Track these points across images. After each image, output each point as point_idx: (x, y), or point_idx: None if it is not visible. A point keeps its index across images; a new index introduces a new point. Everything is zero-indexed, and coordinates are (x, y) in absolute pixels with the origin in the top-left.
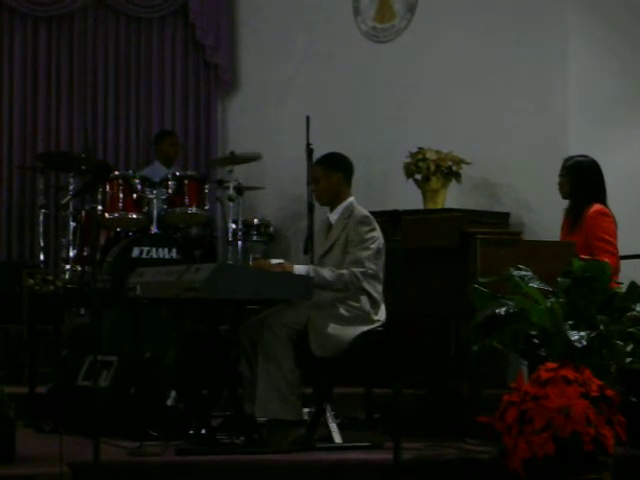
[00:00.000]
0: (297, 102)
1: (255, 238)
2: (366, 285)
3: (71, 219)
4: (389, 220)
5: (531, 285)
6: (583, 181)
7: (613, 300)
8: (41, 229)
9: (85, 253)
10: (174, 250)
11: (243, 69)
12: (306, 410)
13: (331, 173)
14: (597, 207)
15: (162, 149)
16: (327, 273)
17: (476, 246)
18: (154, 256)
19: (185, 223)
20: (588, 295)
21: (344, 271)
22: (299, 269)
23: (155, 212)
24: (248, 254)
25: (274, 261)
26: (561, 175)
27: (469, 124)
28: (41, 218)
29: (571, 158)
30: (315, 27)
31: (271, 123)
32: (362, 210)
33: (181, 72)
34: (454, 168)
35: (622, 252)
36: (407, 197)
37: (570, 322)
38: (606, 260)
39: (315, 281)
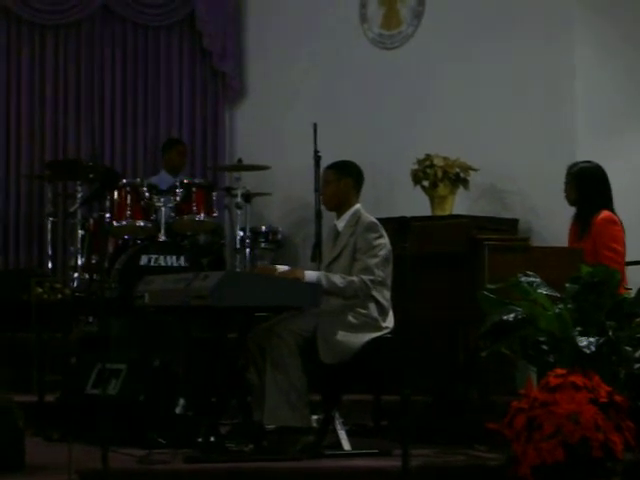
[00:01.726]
0: (304, 109)
1: (263, 245)
2: (374, 292)
3: (79, 227)
4: (397, 227)
5: (539, 291)
6: (589, 187)
7: (622, 306)
8: (49, 237)
9: (93, 261)
10: (182, 258)
11: (250, 76)
12: (314, 417)
13: (341, 178)
14: (605, 214)
15: (169, 158)
16: (338, 280)
17: (484, 252)
18: (162, 264)
19: (193, 230)
20: (597, 301)
21: (354, 278)
22: (310, 275)
23: (163, 220)
24: (256, 261)
25: (280, 268)
26: (566, 182)
27: (476, 130)
28: (49, 226)
29: (575, 164)
30: (322, 34)
31: (278, 130)
32: (369, 217)
33: (188, 80)
34: (462, 175)
35: (628, 258)
36: (415, 204)
37: (579, 328)
38: None
39: (326, 287)
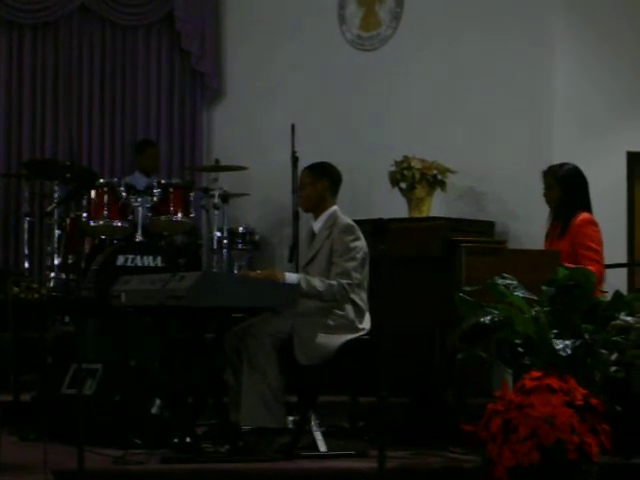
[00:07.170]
0: (282, 110)
1: (240, 246)
2: (351, 294)
3: (56, 227)
4: (374, 229)
5: (516, 294)
6: (572, 189)
7: (597, 309)
8: (26, 237)
9: (70, 261)
10: (159, 258)
11: (229, 77)
12: (291, 418)
13: (317, 180)
14: (585, 215)
15: (141, 161)
16: (318, 283)
17: (461, 255)
18: (139, 264)
19: (170, 231)
20: (572, 304)
21: (333, 282)
22: (290, 277)
23: (140, 220)
24: (233, 262)
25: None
26: (549, 185)
27: (454, 133)
28: (26, 226)
29: (556, 167)
30: (300, 35)
31: (256, 131)
32: (346, 219)
33: (167, 80)
34: (439, 177)
35: (605, 261)
36: (392, 206)
37: (555, 331)
38: (591, 269)
39: (305, 290)
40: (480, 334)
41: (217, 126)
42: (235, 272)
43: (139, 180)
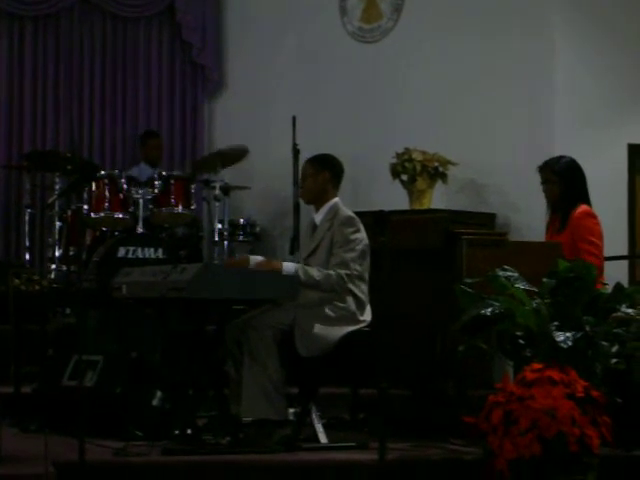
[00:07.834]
0: (284, 102)
1: (241, 238)
2: (352, 286)
3: (57, 219)
4: (375, 221)
5: (517, 286)
6: (572, 182)
7: (598, 301)
8: (27, 229)
9: (71, 253)
10: (160, 250)
11: (230, 69)
12: (291, 410)
13: (319, 172)
14: (584, 208)
15: (145, 151)
16: (315, 273)
17: (462, 247)
18: (140, 256)
19: (171, 223)
20: (573, 296)
21: (331, 272)
22: (287, 267)
23: (141, 212)
24: (234, 254)
25: (254, 258)
26: (548, 180)
27: (455, 125)
28: (27, 218)
29: (553, 161)
30: (302, 27)
31: (258, 123)
32: (347, 211)
33: (168, 72)
34: (440, 169)
35: (606, 253)
36: (393, 198)
37: (556, 323)
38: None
39: (303, 280)
40: (481, 326)
41: (218, 118)
42: (237, 256)
43: (144, 171)
